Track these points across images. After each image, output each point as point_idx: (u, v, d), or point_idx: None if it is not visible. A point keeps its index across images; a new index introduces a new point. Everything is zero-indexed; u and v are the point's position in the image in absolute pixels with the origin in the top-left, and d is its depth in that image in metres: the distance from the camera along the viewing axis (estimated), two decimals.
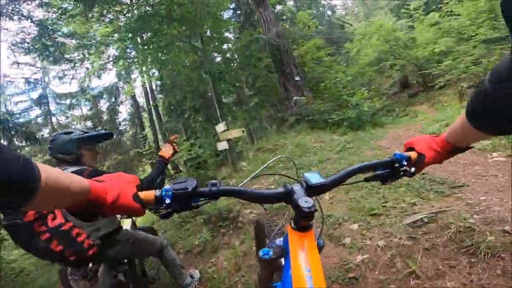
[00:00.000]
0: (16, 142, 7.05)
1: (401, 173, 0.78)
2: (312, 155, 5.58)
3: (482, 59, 7.27)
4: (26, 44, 6.88)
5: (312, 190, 0.69)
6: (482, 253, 1.75)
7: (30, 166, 0.42)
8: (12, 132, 6.78)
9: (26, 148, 9.29)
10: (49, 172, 0.45)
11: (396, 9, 15.60)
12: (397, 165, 0.77)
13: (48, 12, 7.03)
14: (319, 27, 14.71)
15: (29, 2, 6.50)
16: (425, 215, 2.24)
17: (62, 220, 1.28)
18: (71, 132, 1.61)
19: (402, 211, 2.45)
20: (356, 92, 7.78)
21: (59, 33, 7.25)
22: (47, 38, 6.87)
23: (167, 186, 0.66)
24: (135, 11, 7.37)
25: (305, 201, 0.64)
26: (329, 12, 19.22)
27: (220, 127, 6.24)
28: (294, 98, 9.42)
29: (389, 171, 0.78)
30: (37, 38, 6.86)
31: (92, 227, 1.39)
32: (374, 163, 0.80)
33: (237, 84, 12.92)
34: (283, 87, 10.14)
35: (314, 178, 0.70)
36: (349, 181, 0.79)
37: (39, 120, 13.53)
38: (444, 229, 2.05)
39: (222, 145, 6.25)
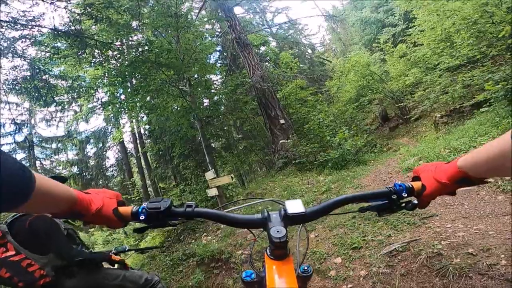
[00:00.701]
0: None
1: (402, 205, 0.73)
2: (299, 197, 5.84)
3: (448, 88, 7.95)
4: (18, 85, 6.91)
5: (289, 220, 0.67)
6: (451, 275, 2.01)
7: (26, 170, 0.45)
8: None
9: None
10: (42, 179, 0.49)
11: (368, 43, 16.75)
12: (394, 196, 0.72)
13: (41, 51, 7.29)
14: (301, 65, 15.59)
15: (24, 40, 6.71)
16: (399, 245, 2.53)
17: (13, 252, 1.47)
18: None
19: (380, 243, 2.73)
20: (338, 132, 8.25)
21: (50, 73, 7.45)
22: (39, 79, 6.98)
23: (144, 204, 0.72)
24: (126, 57, 7.80)
25: (276, 231, 0.63)
26: (309, 51, 20.63)
27: (209, 174, 6.56)
28: (281, 141, 9.84)
29: (386, 202, 0.73)
30: (28, 78, 6.94)
31: (45, 259, 1.55)
32: (367, 193, 0.75)
33: (225, 128, 13.48)
34: (269, 130, 10.47)
35: (294, 207, 0.69)
36: (340, 211, 0.78)
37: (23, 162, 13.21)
38: (417, 256, 2.33)
39: (212, 192, 6.50)
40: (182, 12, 8.81)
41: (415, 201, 0.74)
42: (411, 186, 0.74)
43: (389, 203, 0.73)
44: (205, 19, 11.67)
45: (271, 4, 18.25)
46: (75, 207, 0.61)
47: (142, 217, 0.70)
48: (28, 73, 6.98)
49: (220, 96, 11.01)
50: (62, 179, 1.85)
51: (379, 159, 7.28)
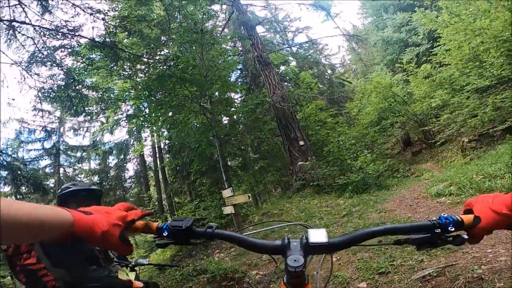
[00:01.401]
0: (23, 189, 7.21)
1: (448, 239, 0.67)
2: (318, 220, 5.69)
3: (477, 111, 7.52)
4: (53, 93, 7.16)
5: (310, 249, 0.65)
6: None
7: None
8: (21, 181, 7.04)
9: (31, 196, 9.39)
10: (9, 206, 0.43)
11: (390, 63, 16.22)
12: (438, 230, 0.66)
13: (77, 62, 7.56)
14: (320, 86, 15.42)
15: (63, 50, 7.01)
16: (433, 270, 2.33)
17: (34, 260, 1.50)
18: (67, 188, 1.79)
19: (410, 268, 2.53)
20: (359, 155, 8.08)
21: (83, 84, 7.69)
22: (73, 88, 7.23)
23: (168, 221, 0.77)
24: (153, 70, 8.08)
25: (294, 260, 0.61)
26: (329, 71, 20.40)
27: (227, 192, 6.64)
28: (299, 163, 9.72)
29: (428, 236, 0.67)
30: (63, 87, 7.20)
31: (59, 273, 1.54)
32: (406, 226, 0.70)
33: (242, 147, 13.55)
34: (288, 152, 10.31)
35: (317, 236, 0.66)
36: (370, 242, 0.74)
37: (47, 170, 13.89)
38: (454, 281, 2.13)
39: (228, 209, 6.53)
40: (207, 29, 9.24)
41: (465, 236, 0.66)
42: (460, 219, 0.67)
43: (432, 237, 0.67)
44: (228, 37, 12.10)
45: (291, 24, 18.63)
46: (74, 232, 0.54)
47: (165, 233, 0.74)
48: (63, 82, 7.31)
49: (240, 114, 11.14)
50: (95, 191, 1.85)
51: (402, 184, 7.05)
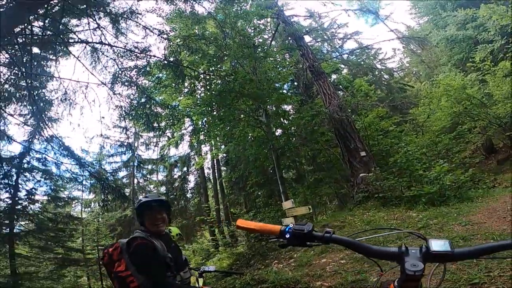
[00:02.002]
0: (109, 197, 8.24)
1: None
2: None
3: None
4: (133, 111, 7.84)
5: (431, 257, 0.66)
6: None
7: None
8: (108, 190, 8.11)
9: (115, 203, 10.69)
10: None
11: (459, 63, 14.84)
12: None
13: (149, 81, 8.28)
14: (378, 92, 14.45)
15: (136, 70, 7.68)
16: None
17: (123, 268, 1.63)
18: (140, 200, 1.90)
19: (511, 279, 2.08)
20: (432, 165, 7.25)
21: (155, 101, 8.31)
22: (148, 106, 7.91)
23: (291, 224, 0.85)
24: (214, 86, 8.56)
25: (413, 264, 0.63)
26: (386, 76, 19.18)
27: (288, 204, 6.70)
28: (361, 175, 9.13)
29: None
30: (141, 105, 7.90)
31: (143, 279, 1.63)
32: None
33: (296, 160, 13.34)
34: (348, 163, 9.72)
35: (439, 245, 0.66)
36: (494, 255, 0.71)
37: (124, 180, 15.81)
38: None
39: (288, 221, 6.58)
40: (258, 43, 9.53)
41: None
42: None
43: None
44: (278, 49, 12.26)
45: (338, 31, 17.91)
46: None
47: (287, 236, 0.83)
48: (141, 100, 8.16)
49: (295, 127, 11.08)
50: (163, 202, 1.90)
51: (488, 196, 6.15)
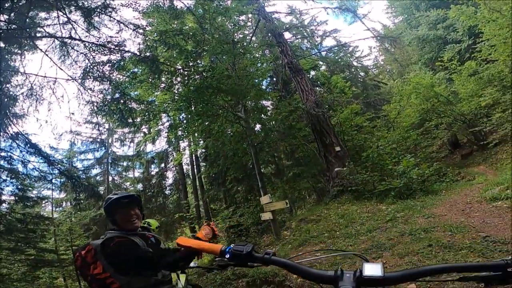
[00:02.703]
0: (81, 195, 7.99)
1: None
2: (359, 225, 5.54)
3: None
4: (105, 107, 7.60)
5: (363, 282, 0.66)
6: None
7: None
8: (80, 188, 7.85)
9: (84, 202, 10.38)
10: None
11: (429, 62, 15.46)
12: (511, 269, 0.62)
13: (122, 76, 7.99)
14: (354, 89, 14.87)
15: (110, 65, 7.40)
16: None
17: (100, 270, 1.59)
18: (109, 198, 1.82)
19: None
20: (401, 159, 7.73)
21: (129, 97, 8.07)
22: (121, 102, 7.68)
23: (231, 245, 0.89)
24: (191, 82, 8.45)
25: None
26: (362, 73, 19.75)
27: (265, 199, 6.83)
28: (336, 169, 9.50)
29: (499, 274, 0.63)
30: (114, 101, 7.66)
31: (125, 280, 1.60)
32: (474, 265, 0.67)
33: (275, 155, 13.58)
34: (324, 158, 10.05)
35: (371, 270, 0.67)
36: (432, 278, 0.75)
37: (98, 178, 15.24)
38: None
39: (267, 216, 6.73)
40: (238, 39, 9.45)
41: None
42: None
43: (503, 275, 0.64)
44: (257, 45, 12.26)
45: (318, 28, 18.29)
46: None
47: (227, 256, 0.87)
48: (114, 96, 7.90)
49: (273, 122, 11.20)
50: (134, 197, 1.84)
51: (451, 189, 6.64)
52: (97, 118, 10.69)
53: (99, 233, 13.66)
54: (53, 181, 9.05)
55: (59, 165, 8.67)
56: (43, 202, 12.37)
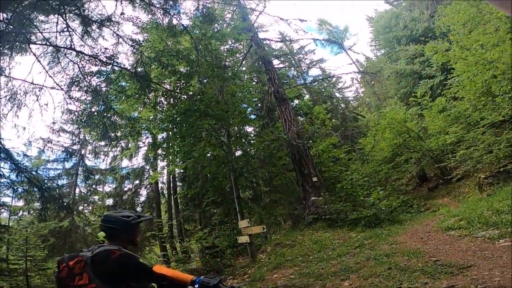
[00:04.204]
0: (47, 206, 7.71)
1: None
2: (331, 251, 6.00)
3: (492, 147, 7.71)
4: (92, 120, 7.52)
5: None
6: None
7: None
8: (49, 199, 7.64)
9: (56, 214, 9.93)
10: None
11: (404, 97, 16.24)
12: None
13: (110, 88, 7.79)
14: (334, 120, 15.63)
15: (99, 76, 7.46)
16: None
17: (86, 281, 1.64)
18: (129, 216, 1.87)
19: None
20: (372, 192, 8.46)
21: (114, 110, 8.01)
22: (106, 115, 7.68)
23: (201, 277, 1.05)
24: (180, 104, 8.68)
25: None
26: (342, 105, 20.98)
27: (243, 223, 7.21)
28: (312, 198, 10.03)
29: None
30: (99, 114, 7.63)
31: None
32: None
33: (253, 181, 13.91)
34: (301, 187, 10.58)
35: None
36: None
37: (64, 189, 14.43)
38: None
39: (244, 239, 7.04)
40: (229, 64, 9.82)
41: None
42: None
43: None
44: (247, 71, 12.74)
45: (306, 56, 19.39)
46: None
47: (196, 286, 1.03)
48: (99, 108, 7.89)
49: (255, 149, 11.51)
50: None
51: (416, 219, 7.39)
52: (74, 127, 10.50)
53: (58, 245, 12.94)
54: (19, 189, 8.73)
55: (27, 173, 8.41)
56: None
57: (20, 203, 12.73)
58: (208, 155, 10.68)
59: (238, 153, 11.79)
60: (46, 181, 9.93)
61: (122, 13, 6.82)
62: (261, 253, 7.38)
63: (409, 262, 3.96)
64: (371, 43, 24.20)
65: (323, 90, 19.30)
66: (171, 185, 14.21)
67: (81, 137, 14.47)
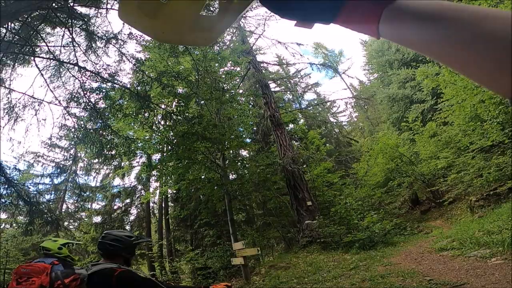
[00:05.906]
0: (35, 221, 7.55)
1: None
2: (326, 273, 6.00)
3: (482, 171, 7.94)
4: (89, 137, 7.44)
5: None
6: None
7: None
8: (37, 214, 7.52)
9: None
10: None
11: (396, 121, 16.36)
12: None
13: (107, 106, 7.77)
14: (328, 144, 15.71)
15: (98, 93, 7.47)
16: None
17: None
18: (131, 236, 1.96)
19: None
20: (366, 215, 8.60)
21: (110, 129, 7.98)
22: (104, 134, 7.68)
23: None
24: (179, 127, 8.74)
25: None
26: (336, 130, 21.27)
27: (238, 245, 7.25)
28: (306, 221, 10.10)
29: None
30: (96, 132, 7.57)
31: None
32: None
33: (247, 203, 13.85)
34: (296, 211, 10.70)
35: None
36: None
37: (50, 204, 13.97)
38: None
39: (238, 261, 7.06)
40: (227, 88, 10.05)
41: None
42: None
43: None
44: (244, 93, 12.89)
45: (302, 80, 19.89)
46: None
47: None
48: (96, 126, 7.87)
49: (249, 174, 11.53)
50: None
51: (409, 241, 7.49)
52: (74, 146, 10.41)
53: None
54: (7, 201, 8.55)
55: (17, 187, 8.29)
56: None
57: (3, 215, 12.34)
58: (203, 177, 10.71)
59: (233, 176, 11.86)
60: (34, 195, 9.80)
61: (130, 33, 7.10)
62: (255, 275, 7.28)
63: (404, 282, 4.02)
64: (364, 67, 24.37)
65: (317, 114, 19.72)
66: (163, 205, 14.01)
67: (72, 154, 14.35)
